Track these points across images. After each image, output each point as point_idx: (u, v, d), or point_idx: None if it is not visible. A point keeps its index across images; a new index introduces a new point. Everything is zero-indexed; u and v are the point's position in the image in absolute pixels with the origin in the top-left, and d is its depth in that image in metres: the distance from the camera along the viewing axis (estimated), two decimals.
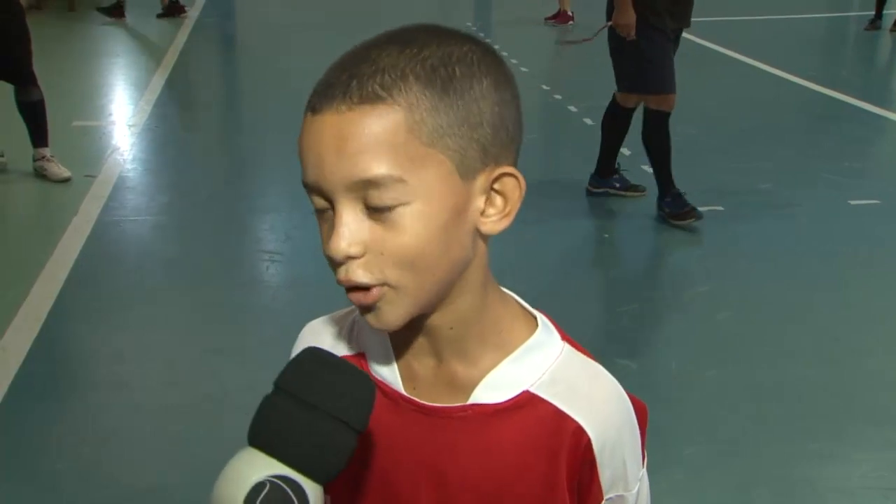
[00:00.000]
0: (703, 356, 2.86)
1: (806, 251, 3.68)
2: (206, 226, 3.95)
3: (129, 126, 5.34)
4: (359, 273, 0.67)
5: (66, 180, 4.28)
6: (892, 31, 8.67)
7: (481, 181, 0.70)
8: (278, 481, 0.62)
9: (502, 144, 0.70)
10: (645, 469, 0.81)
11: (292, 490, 0.62)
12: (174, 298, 3.25)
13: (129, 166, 4.64)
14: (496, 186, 0.70)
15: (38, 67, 4.29)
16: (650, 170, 4.55)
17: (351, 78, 0.66)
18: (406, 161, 0.65)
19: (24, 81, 4.20)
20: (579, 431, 0.74)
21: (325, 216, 0.69)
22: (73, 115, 5.38)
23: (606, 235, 3.80)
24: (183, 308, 3.19)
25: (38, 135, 4.31)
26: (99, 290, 3.30)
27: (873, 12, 8.85)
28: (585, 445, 0.75)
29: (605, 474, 0.76)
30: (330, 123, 0.66)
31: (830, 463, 2.37)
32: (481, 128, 0.68)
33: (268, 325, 3.00)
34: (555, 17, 8.95)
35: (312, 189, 0.68)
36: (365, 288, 0.68)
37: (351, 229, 0.66)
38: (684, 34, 3.96)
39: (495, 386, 0.75)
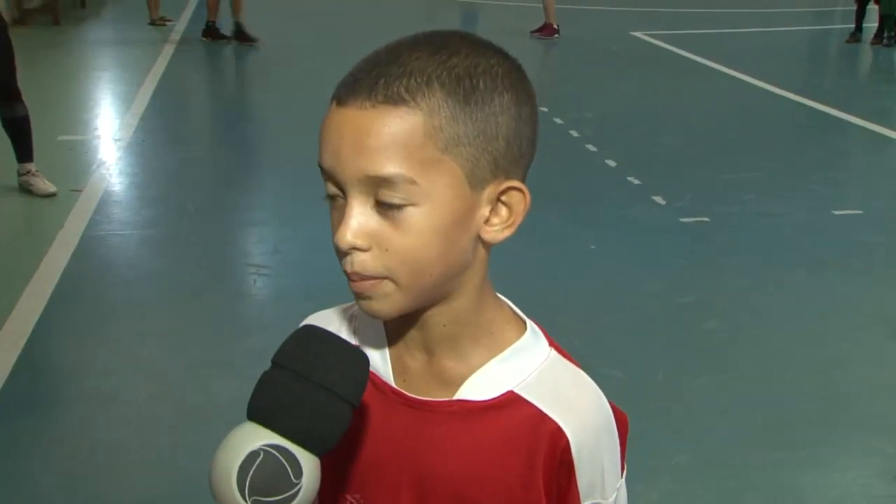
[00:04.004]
0: (690, 366, 2.88)
1: (790, 261, 3.71)
2: (193, 239, 3.94)
3: (115, 140, 5.32)
4: (364, 264, 0.70)
5: (52, 195, 4.26)
6: (872, 43, 8.77)
7: (489, 191, 0.72)
8: (272, 450, 0.64)
9: (513, 159, 0.72)
10: (623, 480, 0.81)
11: (286, 459, 0.65)
12: (161, 312, 3.24)
13: (115, 180, 4.63)
14: (503, 198, 0.73)
15: (23, 82, 4.28)
16: (637, 181, 4.58)
17: (379, 76, 0.69)
18: (419, 164, 0.68)
19: (8, 96, 4.19)
20: (558, 432, 0.76)
21: (336, 204, 0.72)
22: (58, 129, 5.36)
23: (593, 247, 3.82)
24: (170, 321, 3.18)
25: (24, 150, 4.29)
26: (85, 304, 3.28)
27: (853, 26, 8.95)
28: (563, 447, 0.76)
29: (582, 479, 0.77)
30: (352, 117, 0.69)
31: (817, 470, 2.38)
32: (496, 141, 0.71)
33: (255, 337, 2.99)
34: (540, 30, 9.01)
35: (327, 175, 0.71)
36: (367, 278, 0.71)
37: (360, 222, 0.69)
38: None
39: (482, 384, 0.77)
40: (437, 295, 0.74)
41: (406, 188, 0.68)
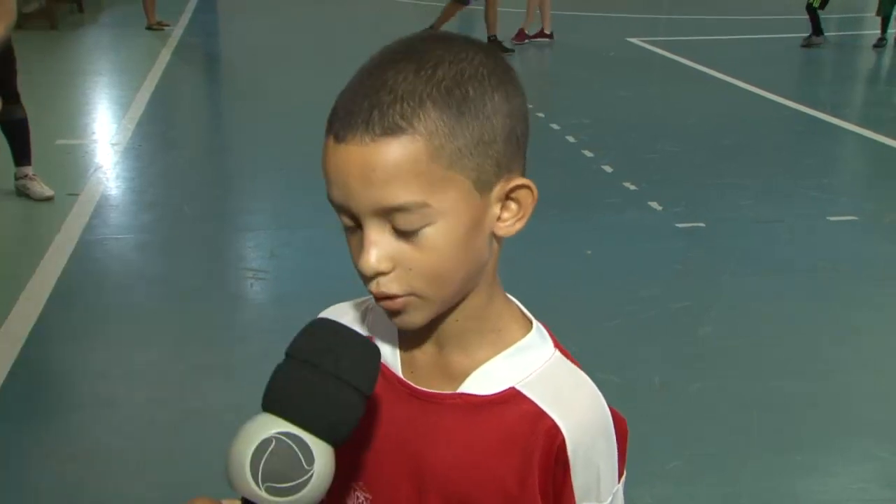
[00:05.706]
0: (685, 371, 2.88)
1: (786, 266, 3.72)
2: (189, 244, 3.94)
3: (113, 144, 5.33)
4: (390, 286, 0.72)
5: (49, 199, 4.27)
6: (803, 46, 8.88)
7: (497, 192, 0.74)
8: (284, 438, 0.67)
9: (513, 154, 0.74)
10: (621, 485, 0.82)
11: (297, 446, 0.67)
12: (158, 316, 3.25)
13: (112, 184, 4.64)
14: (511, 195, 0.75)
15: (21, 86, 4.28)
16: (633, 187, 4.60)
17: (372, 107, 0.68)
18: (428, 186, 0.69)
19: (7, 99, 4.19)
20: (554, 430, 0.77)
21: (353, 231, 0.73)
22: (56, 133, 5.36)
23: (589, 252, 3.83)
24: (167, 326, 3.18)
25: (21, 153, 4.30)
26: (82, 309, 3.29)
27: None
28: (559, 445, 0.77)
29: (578, 479, 0.78)
30: (355, 153, 0.69)
31: (813, 475, 2.39)
32: (495, 144, 0.72)
33: (252, 342, 3.00)
34: (535, 36, 9.03)
35: (339, 208, 0.72)
36: (394, 297, 0.73)
37: (380, 247, 0.71)
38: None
39: (485, 379, 0.79)
40: (459, 296, 0.77)
41: (420, 212, 0.69)
